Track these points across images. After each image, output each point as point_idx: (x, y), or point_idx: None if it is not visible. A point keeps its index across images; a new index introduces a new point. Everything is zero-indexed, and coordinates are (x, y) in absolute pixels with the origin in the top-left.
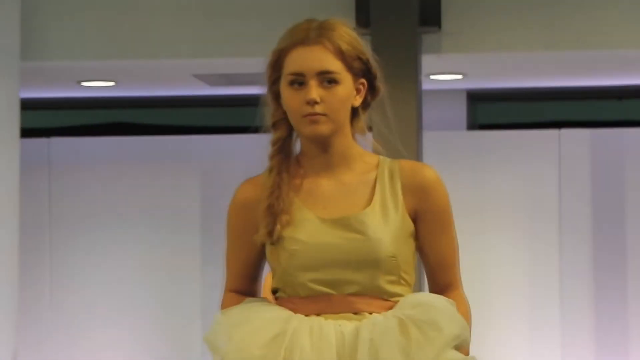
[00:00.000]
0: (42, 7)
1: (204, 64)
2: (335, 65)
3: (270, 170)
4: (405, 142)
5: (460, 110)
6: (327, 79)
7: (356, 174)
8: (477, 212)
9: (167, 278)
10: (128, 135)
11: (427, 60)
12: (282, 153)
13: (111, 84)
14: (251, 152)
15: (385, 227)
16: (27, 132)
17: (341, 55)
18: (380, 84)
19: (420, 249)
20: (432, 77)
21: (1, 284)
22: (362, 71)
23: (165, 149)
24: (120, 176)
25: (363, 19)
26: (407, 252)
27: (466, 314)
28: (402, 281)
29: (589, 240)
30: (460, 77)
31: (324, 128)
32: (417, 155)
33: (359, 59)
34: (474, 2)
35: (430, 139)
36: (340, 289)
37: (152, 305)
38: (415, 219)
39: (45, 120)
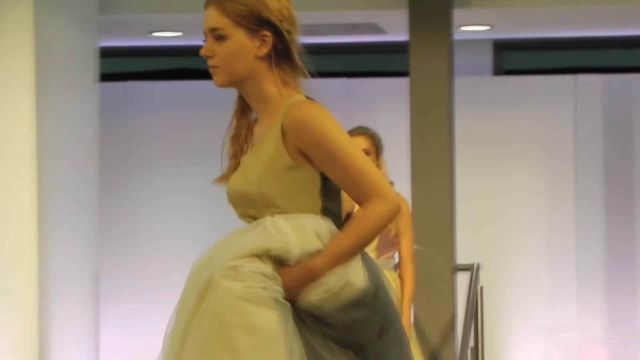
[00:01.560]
0: None
1: None
2: (220, 22)
3: (232, 115)
4: (438, 87)
5: (486, 58)
6: (216, 35)
7: (270, 118)
8: (501, 149)
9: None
10: (193, 80)
11: (457, 14)
12: (242, 100)
13: (179, 34)
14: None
15: (255, 166)
16: (105, 77)
17: (227, 13)
18: (292, 33)
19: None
20: (462, 28)
21: (83, 219)
22: (261, 24)
23: (226, 92)
24: (188, 116)
25: None
26: (282, 186)
27: (356, 224)
28: (289, 211)
29: (601, 174)
30: (487, 28)
31: (219, 79)
32: (449, 98)
33: (253, 14)
34: None
35: (460, 84)
36: (250, 221)
37: (216, 237)
38: (304, 154)
39: (121, 66)
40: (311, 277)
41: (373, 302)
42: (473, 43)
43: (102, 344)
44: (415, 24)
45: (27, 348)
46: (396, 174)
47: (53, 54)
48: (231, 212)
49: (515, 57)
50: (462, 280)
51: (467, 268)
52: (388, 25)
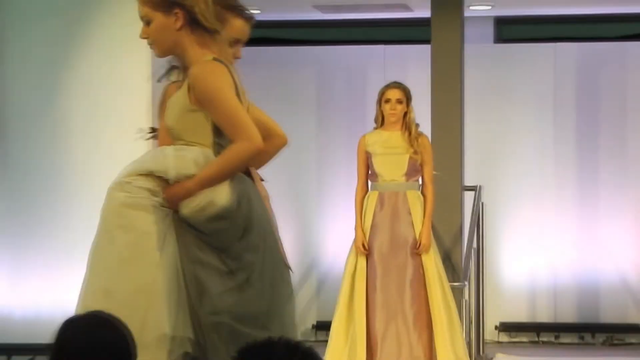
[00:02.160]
0: None
1: None
2: (144, 11)
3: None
4: (453, 52)
5: (489, 30)
6: (145, 21)
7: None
8: (500, 98)
9: (310, 165)
10: (271, 46)
11: None
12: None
13: (258, 11)
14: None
15: (172, 110)
16: None
17: (146, 3)
18: (196, 6)
19: None
20: (471, 7)
21: None
22: (172, 5)
23: (300, 56)
24: (269, 74)
25: None
26: (185, 124)
27: (223, 157)
28: (192, 143)
29: (574, 116)
30: (490, 7)
31: (156, 52)
32: (461, 60)
33: (164, 0)
34: None
35: (469, 50)
36: None
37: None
38: (199, 101)
39: None
40: (185, 194)
41: (234, 216)
42: (479, 19)
43: None
44: (435, 4)
45: None
46: (421, 118)
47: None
48: (299, 154)
49: (511, 29)
50: (468, 197)
51: (472, 188)
52: (414, 4)
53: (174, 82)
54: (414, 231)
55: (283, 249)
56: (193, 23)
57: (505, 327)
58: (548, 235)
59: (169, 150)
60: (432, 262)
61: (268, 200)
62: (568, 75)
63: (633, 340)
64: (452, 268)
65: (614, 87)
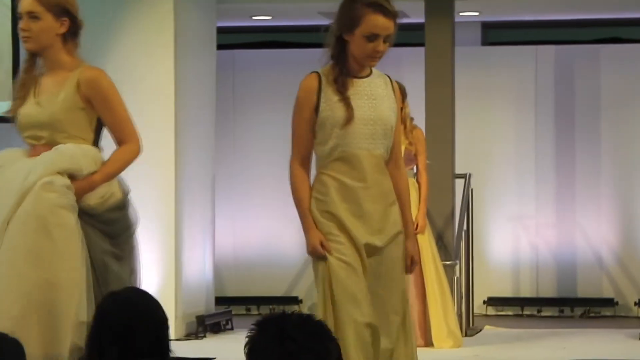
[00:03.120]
0: None
1: (329, 5)
2: (37, 8)
3: (22, 71)
4: (445, 53)
5: (477, 34)
6: (31, 16)
7: (60, 75)
8: (486, 95)
9: None
10: (280, 49)
11: (458, 4)
12: (31, 60)
13: (269, 17)
14: None
15: (53, 103)
16: (219, 47)
17: (42, 3)
18: (79, 21)
19: None
20: (460, 13)
21: (204, 144)
22: (63, 13)
23: (304, 56)
24: (277, 74)
25: None
26: (75, 119)
27: (119, 155)
28: (75, 138)
29: (553, 112)
30: (477, 13)
31: (29, 46)
32: (452, 61)
33: (59, 5)
34: None
35: (459, 52)
36: (37, 142)
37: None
38: (89, 101)
39: (230, 39)
40: (90, 188)
41: (125, 207)
42: (468, 24)
43: (216, 234)
44: (429, 10)
45: (167, 237)
46: (416, 113)
47: (186, 31)
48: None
49: (496, 33)
50: (458, 184)
51: (462, 176)
52: (410, 11)
53: (25, 82)
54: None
55: None
56: (72, 33)
57: (492, 302)
58: (530, 218)
59: (74, 148)
60: (427, 242)
61: None
62: (547, 75)
63: (607, 313)
64: (445, 248)
65: (589, 86)
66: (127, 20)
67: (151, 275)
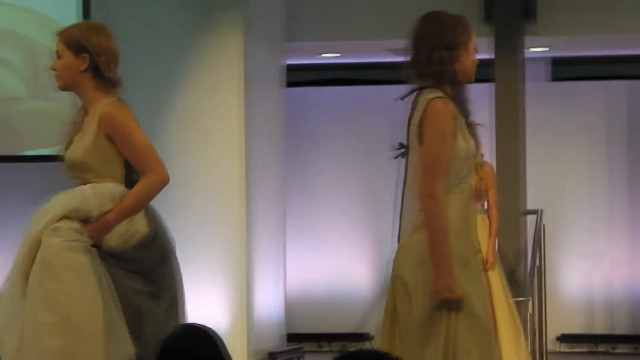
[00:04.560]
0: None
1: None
2: (59, 47)
3: (78, 111)
4: (513, 90)
5: (547, 70)
6: (57, 55)
7: (91, 114)
8: (558, 131)
9: (375, 188)
10: (349, 85)
11: (527, 40)
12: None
13: (338, 54)
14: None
15: (81, 144)
16: (289, 85)
17: (63, 40)
18: (102, 57)
19: None
20: (530, 49)
21: (274, 183)
22: (81, 49)
23: (377, 94)
24: (347, 111)
25: (488, 14)
26: (101, 157)
27: (136, 190)
28: (104, 177)
29: (625, 148)
30: (547, 49)
31: (58, 84)
32: (521, 98)
33: (77, 43)
34: (554, 5)
35: (528, 88)
36: (77, 181)
37: (366, 197)
38: (110, 138)
39: (299, 77)
40: (105, 229)
41: (154, 243)
42: (537, 60)
43: (286, 271)
44: (498, 47)
45: (237, 273)
46: (484, 149)
47: (255, 70)
48: (373, 177)
49: (566, 69)
50: (530, 220)
51: (534, 212)
52: (479, 47)
53: (74, 122)
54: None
55: None
56: (95, 70)
57: (565, 339)
58: (603, 254)
59: (87, 189)
60: (497, 278)
61: None
62: (619, 110)
63: None
64: (516, 284)
65: None
66: (196, 59)
67: (222, 312)
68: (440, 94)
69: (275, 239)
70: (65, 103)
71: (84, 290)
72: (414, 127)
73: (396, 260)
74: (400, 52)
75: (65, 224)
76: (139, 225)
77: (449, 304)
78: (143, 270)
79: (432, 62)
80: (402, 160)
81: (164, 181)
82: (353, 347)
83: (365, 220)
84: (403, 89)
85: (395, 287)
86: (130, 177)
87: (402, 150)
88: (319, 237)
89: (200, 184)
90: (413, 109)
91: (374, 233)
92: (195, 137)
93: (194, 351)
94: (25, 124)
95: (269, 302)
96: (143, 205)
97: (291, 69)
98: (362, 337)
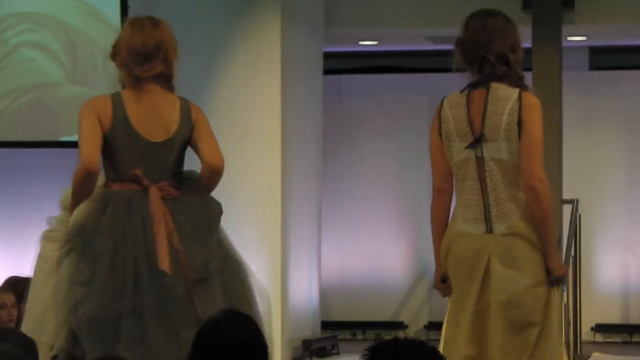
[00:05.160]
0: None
1: (435, 31)
2: None
3: None
4: (552, 78)
5: (585, 59)
6: None
7: None
8: (595, 120)
9: (412, 176)
10: (387, 73)
11: (565, 29)
12: None
13: (375, 42)
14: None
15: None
16: (326, 72)
17: None
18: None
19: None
20: (568, 38)
21: (312, 168)
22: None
23: (409, 83)
24: (384, 98)
25: (526, 3)
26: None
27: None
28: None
29: None
30: (585, 38)
31: None
32: (560, 86)
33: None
34: None
35: (567, 77)
36: None
37: (400, 197)
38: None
39: (337, 64)
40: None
41: (83, 232)
42: (575, 49)
43: (322, 258)
44: (536, 35)
45: (273, 261)
46: None
47: (293, 56)
48: (410, 165)
49: (604, 58)
50: (566, 209)
51: (570, 202)
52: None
53: None
54: None
55: None
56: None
57: (600, 328)
58: (639, 243)
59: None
60: None
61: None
62: None
63: None
64: None
65: None
66: (235, 45)
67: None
68: (520, 89)
69: (311, 226)
70: (102, 89)
71: (43, 280)
72: (504, 118)
73: (501, 245)
74: (437, 40)
75: (60, 215)
76: (72, 217)
77: (560, 280)
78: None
79: (505, 62)
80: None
81: (82, 169)
82: (388, 335)
83: (402, 209)
84: (440, 77)
85: (500, 273)
86: (117, 172)
87: (478, 141)
88: (355, 225)
89: (238, 168)
90: (484, 101)
91: (410, 222)
92: (235, 121)
93: (235, 335)
94: (63, 110)
95: (304, 290)
96: (75, 196)
97: (329, 56)
98: (397, 325)
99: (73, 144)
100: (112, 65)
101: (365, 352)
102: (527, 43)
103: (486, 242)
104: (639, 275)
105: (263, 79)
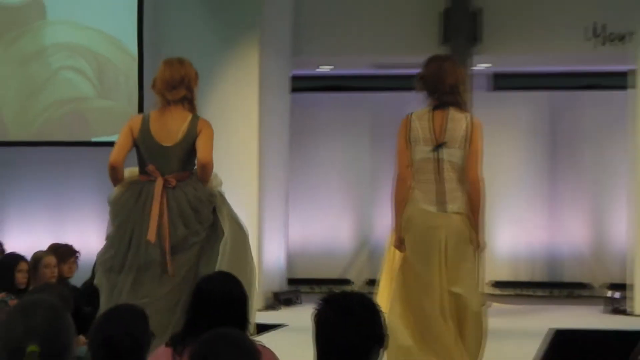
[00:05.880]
0: (304, 25)
1: (380, 58)
2: None
3: None
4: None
5: (488, 81)
6: None
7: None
8: (494, 139)
9: (357, 169)
10: (341, 92)
11: (475, 58)
12: None
13: (332, 67)
14: (404, 105)
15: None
16: (293, 90)
17: None
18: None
19: None
20: (477, 66)
21: (280, 159)
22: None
23: (361, 101)
24: (337, 113)
25: (445, 38)
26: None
27: None
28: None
29: (548, 145)
30: (489, 65)
31: None
32: (470, 105)
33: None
34: (496, 29)
35: (475, 95)
36: None
37: (348, 184)
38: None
39: (302, 84)
40: None
41: (114, 207)
42: (481, 74)
43: (289, 230)
44: None
45: (251, 232)
46: None
47: (268, 77)
48: (355, 162)
49: (502, 81)
50: None
51: None
52: None
53: None
54: None
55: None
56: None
57: (497, 284)
58: (527, 220)
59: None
60: None
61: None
62: (542, 114)
63: (584, 294)
64: None
65: (571, 122)
66: (221, 71)
67: None
68: (469, 113)
69: (280, 204)
70: (123, 102)
71: None
72: (459, 133)
73: (451, 221)
74: (380, 65)
75: None
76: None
77: (481, 249)
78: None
79: (456, 92)
80: (434, 153)
81: (108, 164)
82: (337, 289)
83: (348, 192)
84: (381, 95)
85: (452, 239)
86: (142, 168)
87: (440, 146)
88: (313, 204)
89: (226, 161)
90: (444, 119)
91: (355, 201)
92: (223, 126)
93: (226, 290)
94: (93, 118)
95: (275, 253)
96: (110, 177)
97: (295, 78)
98: (346, 282)
99: (100, 144)
100: (130, 83)
101: (320, 301)
102: None
103: (440, 218)
104: (525, 244)
105: (245, 93)
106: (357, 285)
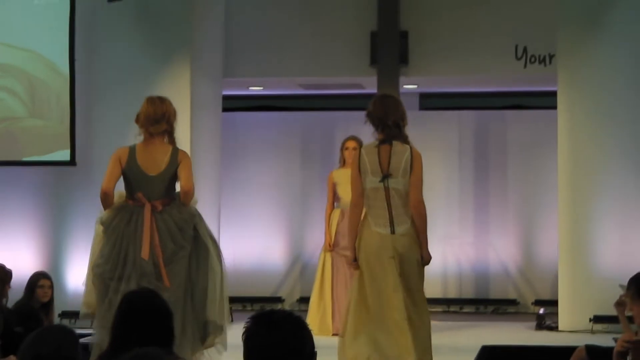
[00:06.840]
0: (235, 47)
1: (306, 79)
2: None
3: None
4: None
5: (416, 101)
6: None
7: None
8: (421, 148)
9: (287, 189)
10: (270, 111)
11: (402, 80)
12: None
13: (261, 88)
14: (338, 125)
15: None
16: (224, 109)
17: None
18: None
19: None
20: (404, 86)
21: (212, 181)
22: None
23: (289, 121)
24: (267, 132)
25: (373, 59)
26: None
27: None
28: None
29: (476, 163)
30: (416, 86)
31: None
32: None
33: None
34: (422, 50)
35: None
36: None
37: (279, 205)
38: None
39: (232, 104)
40: None
41: (106, 228)
42: (409, 94)
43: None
44: (380, 84)
45: None
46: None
47: (199, 98)
48: (285, 181)
49: (430, 101)
50: None
51: None
52: (366, 84)
53: None
54: None
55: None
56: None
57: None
58: (455, 237)
59: None
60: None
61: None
62: (469, 133)
63: (512, 310)
64: None
65: (497, 141)
66: (154, 89)
67: None
68: (409, 145)
69: (212, 222)
70: (55, 122)
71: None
72: (402, 164)
73: (400, 241)
74: (307, 86)
75: None
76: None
77: (427, 263)
78: None
79: (398, 127)
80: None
81: (100, 191)
82: (269, 307)
83: (279, 210)
84: (308, 114)
85: (402, 257)
86: (130, 193)
87: (386, 177)
88: (245, 221)
89: None
90: (391, 151)
91: (286, 220)
92: None
93: (151, 305)
94: (25, 137)
95: None
96: (102, 203)
97: (226, 98)
98: (277, 299)
99: (32, 163)
100: (62, 103)
101: (249, 320)
102: (373, 89)
103: (391, 239)
104: (453, 261)
105: (177, 117)
106: (289, 304)
